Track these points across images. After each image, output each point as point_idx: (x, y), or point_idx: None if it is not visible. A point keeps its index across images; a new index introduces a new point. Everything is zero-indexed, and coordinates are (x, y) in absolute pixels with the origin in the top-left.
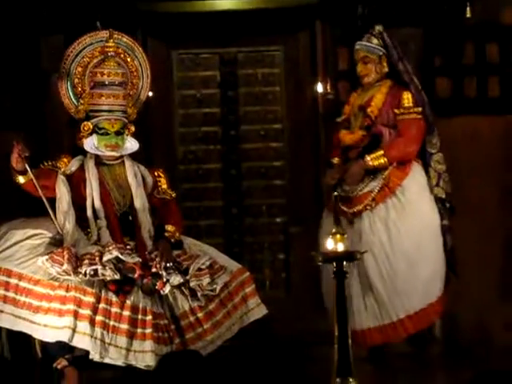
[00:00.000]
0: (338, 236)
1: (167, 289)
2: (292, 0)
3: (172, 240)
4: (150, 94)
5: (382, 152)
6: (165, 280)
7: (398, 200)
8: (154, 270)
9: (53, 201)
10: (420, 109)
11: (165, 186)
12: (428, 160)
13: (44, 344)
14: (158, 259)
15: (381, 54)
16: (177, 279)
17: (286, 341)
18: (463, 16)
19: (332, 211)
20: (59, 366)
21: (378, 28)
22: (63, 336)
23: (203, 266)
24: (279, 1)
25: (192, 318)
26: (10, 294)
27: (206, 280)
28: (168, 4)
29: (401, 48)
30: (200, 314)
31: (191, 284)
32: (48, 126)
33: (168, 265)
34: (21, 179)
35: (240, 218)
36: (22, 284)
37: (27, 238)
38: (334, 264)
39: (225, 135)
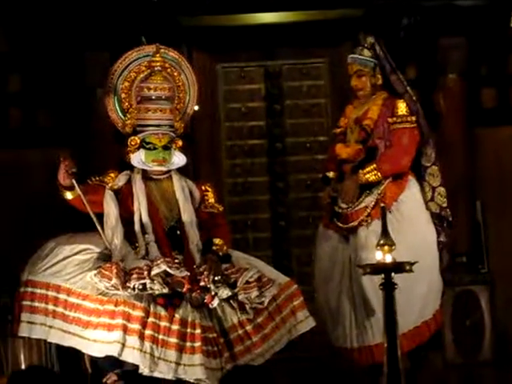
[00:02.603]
0: (386, 247)
1: (216, 302)
2: (336, 12)
3: (220, 253)
4: (197, 107)
5: (374, 166)
6: (213, 293)
7: (393, 215)
8: (202, 283)
9: (100, 216)
10: (414, 118)
11: (212, 200)
12: (422, 173)
13: (93, 359)
14: (206, 273)
15: (374, 66)
16: (225, 292)
17: (334, 352)
18: (508, 25)
19: (327, 227)
20: (109, 381)
21: (370, 40)
22: (113, 351)
23: (251, 279)
24: (323, 13)
25: (241, 331)
26: (59, 310)
27: (254, 293)
28: (212, 18)
29: (446, 57)
30: (248, 327)
31: (239, 297)
32: (93, 142)
33: (216, 278)
34: (68, 195)
35: (287, 230)
36: (71, 299)
37: (75, 254)
38: (383, 275)
39: (271, 148)
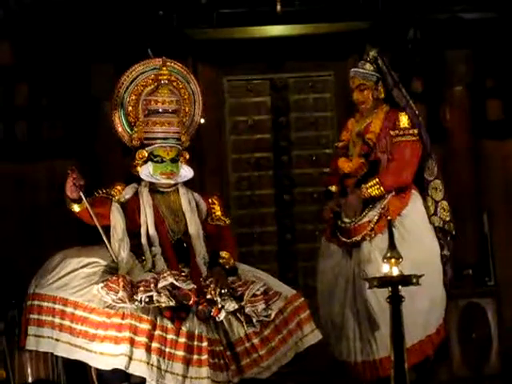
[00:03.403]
0: (393, 260)
1: (222, 315)
2: (342, 25)
3: (227, 266)
4: (202, 120)
5: (377, 180)
6: (220, 306)
7: (396, 230)
8: (208, 296)
9: (107, 229)
10: (416, 130)
11: (219, 213)
12: (425, 187)
13: (100, 372)
14: (212, 285)
15: (376, 79)
16: (232, 305)
17: (338, 366)
18: None
19: (329, 241)
20: None
21: (373, 53)
22: (120, 363)
23: (258, 292)
24: (329, 26)
25: (247, 344)
26: (66, 323)
27: (260, 306)
28: (218, 31)
29: (452, 70)
30: (255, 340)
31: (246, 310)
32: (100, 154)
33: (223, 291)
34: (76, 207)
35: (293, 243)
36: (78, 312)
37: (82, 267)
38: (389, 289)
39: (277, 161)
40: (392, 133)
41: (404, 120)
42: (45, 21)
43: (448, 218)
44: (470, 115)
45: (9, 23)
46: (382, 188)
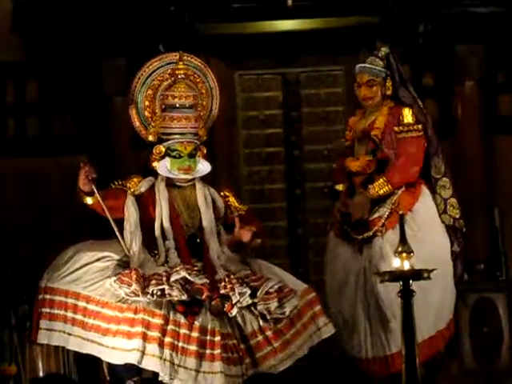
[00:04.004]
0: (404, 254)
1: (235, 311)
2: (353, 20)
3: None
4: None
5: (384, 179)
6: (234, 302)
7: (407, 225)
8: (222, 291)
9: (120, 222)
10: (420, 126)
11: (236, 204)
12: (433, 185)
13: (112, 366)
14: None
15: (385, 75)
16: (246, 300)
17: (349, 361)
18: None
19: (339, 237)
20: None
21: (385, 50)
22: (132, 358)
23: (271, 290)
24: (340, 21)
25: (261, 337)
26: (79, 317)
27: (273, 304)
28: (229, 26)
29: (463, 65)
30: (269, 333)
31: (258, 307)
32: (111, 149)
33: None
34: (88, 200)
35: (305, 238)
36: (90, 307)
37: (95, 261)
38: (400, 283)
39: (288, 155)
40: (396, 129)
41: (408, 115)
42: (55, 17)
43: (458, 216)
44: (481, 110)
45: (19, 19)
46: (389, 186)
